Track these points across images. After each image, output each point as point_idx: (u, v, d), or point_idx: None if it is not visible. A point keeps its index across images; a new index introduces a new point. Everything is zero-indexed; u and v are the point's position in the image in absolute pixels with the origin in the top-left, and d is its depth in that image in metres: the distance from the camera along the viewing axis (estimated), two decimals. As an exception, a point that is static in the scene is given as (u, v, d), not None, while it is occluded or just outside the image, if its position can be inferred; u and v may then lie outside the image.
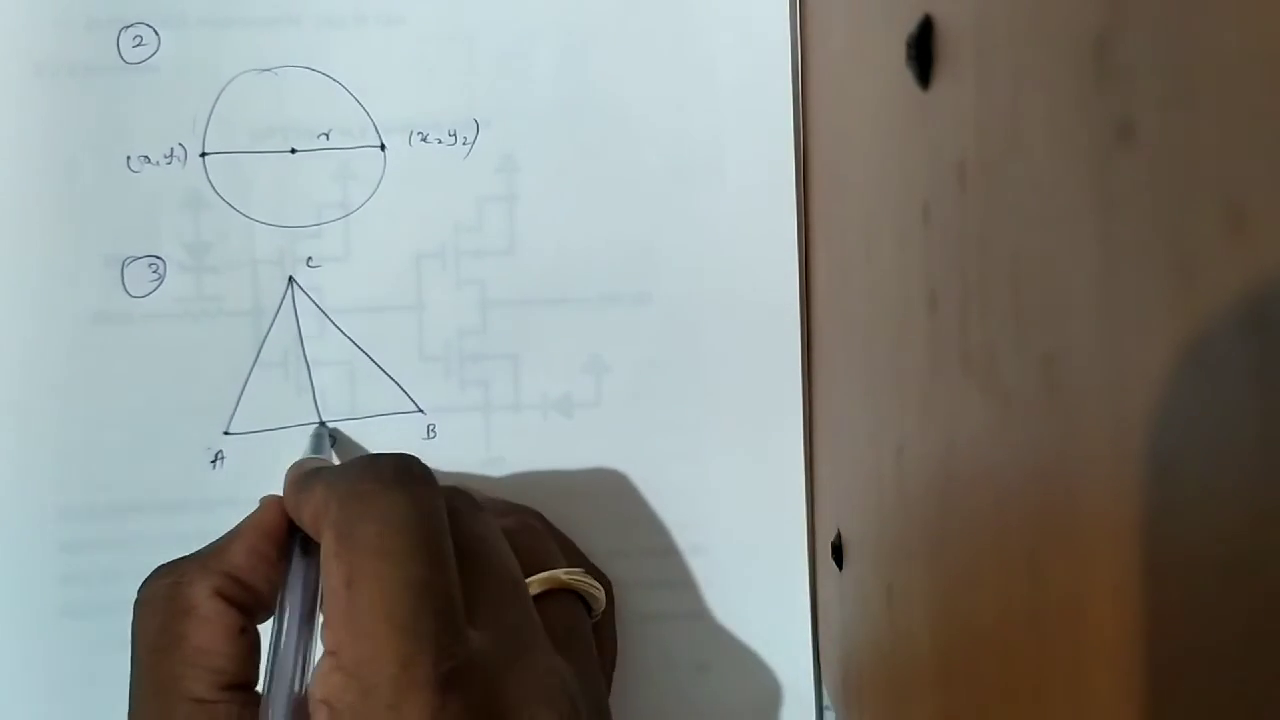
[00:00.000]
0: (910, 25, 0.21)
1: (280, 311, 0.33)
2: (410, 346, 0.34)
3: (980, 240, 0.19)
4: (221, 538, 0.28)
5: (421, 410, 0.34)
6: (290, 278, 0.34)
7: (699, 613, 0.34)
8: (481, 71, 0.34)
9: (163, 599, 0.27)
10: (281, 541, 0.28)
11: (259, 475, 0.33)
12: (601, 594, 0.30)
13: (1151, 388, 0.13)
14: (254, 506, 0.29)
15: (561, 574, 0.29)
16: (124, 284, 0.33)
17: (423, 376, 0.34)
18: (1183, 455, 0.13)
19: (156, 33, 0.33)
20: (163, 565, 0.28)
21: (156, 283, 0.33)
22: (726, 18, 0.34)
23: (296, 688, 0.26)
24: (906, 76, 0.22)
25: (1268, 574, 0.11)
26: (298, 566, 0.27)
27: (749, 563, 0.34)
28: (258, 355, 0.33)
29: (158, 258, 0.33)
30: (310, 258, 0.34)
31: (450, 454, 0.34)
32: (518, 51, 0.34)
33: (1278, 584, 0.11)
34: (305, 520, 0.27)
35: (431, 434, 0.34)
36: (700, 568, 0.34)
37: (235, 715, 0.26)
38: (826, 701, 0.34)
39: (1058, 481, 0.16)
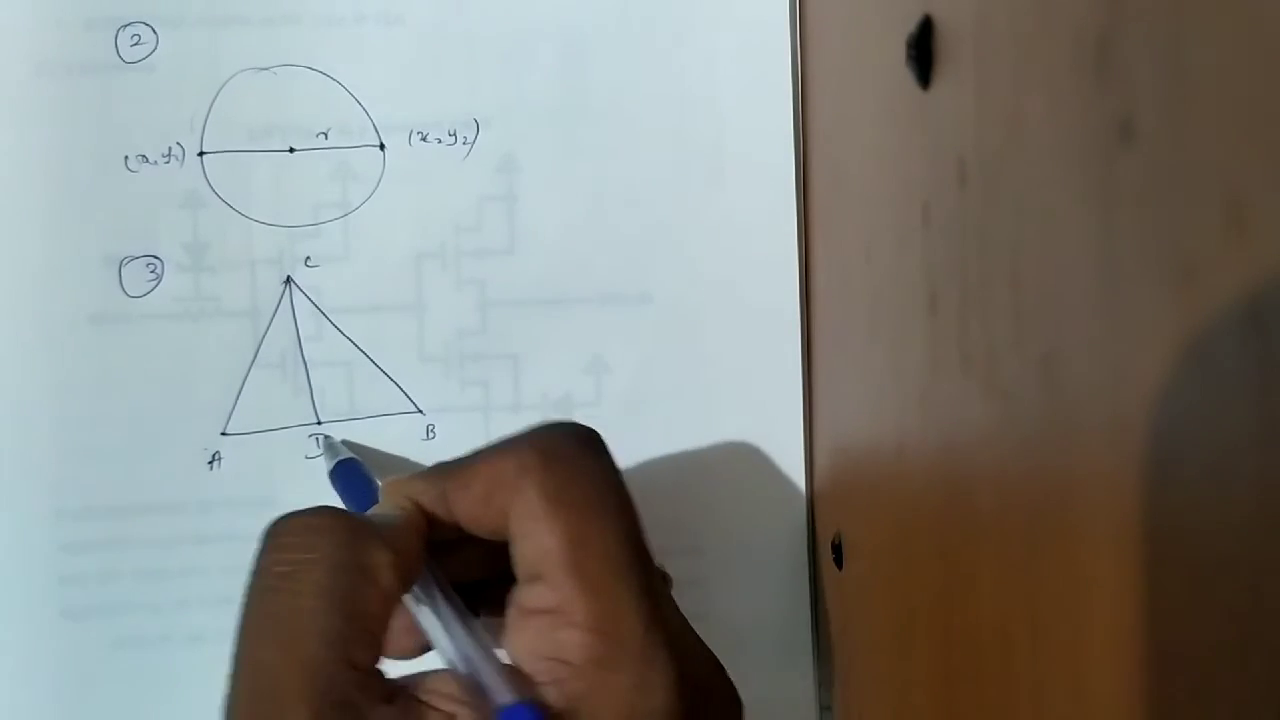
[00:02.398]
0: (910, 25, 0.21)
1: (278, 311, 0.33)
2: (410, 347, 0.34)
3: (980, 240, 0.19)
4: (377, 516, 0.27)
5: (421, 411, 0.34)
6: (288, 277, 0.33)
7: (699, 613, 0.34)
8: (481, 71, 0.34)
9: (341, 550, 0.24)
10: (425, 534, 0.27)
11: (256, 476, 0.33)
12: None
13: (1151, 388, 0.13)
14: (252, 507, 0.28)
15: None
16: (122, 284, 0.33)
17: (422, 377, 0.34)
18: (1182, 454, 0.13)
19: (155, 32, 0.33)
20: (324, 511, 0.26)
21: (154, 282, 0.33)
22: (726, 18, 0.34)
23: (483, 656, 0.25)
24: (906, 76, 0.22)
25: (1267, 573, 0.11)
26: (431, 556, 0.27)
27: (749, 563, 0.34)
28: (256, 355, 0.33)
29: (156, 257, 0.33)
30: (309, 257, 0.34)
31: (450, 455, 0.33)
32: (518, 51, 0.34)
33: (1277, 583, 0.11)
34: (467, 504, 0.26)
35: (431, 434, 0.34)
36: (700, 568, 0.34)
37: (381, 692, 0.24)
38: (826, 701, 0.34)
39: (1057, 481, 0.16)
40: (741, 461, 0.34)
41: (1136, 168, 0.13)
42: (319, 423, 0.34)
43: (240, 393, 0.33)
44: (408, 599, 0.26)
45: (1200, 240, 0.12)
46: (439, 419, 0.34)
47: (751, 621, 0.34)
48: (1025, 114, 0.17)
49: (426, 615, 0.26)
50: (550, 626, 0.24)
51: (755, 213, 0.34)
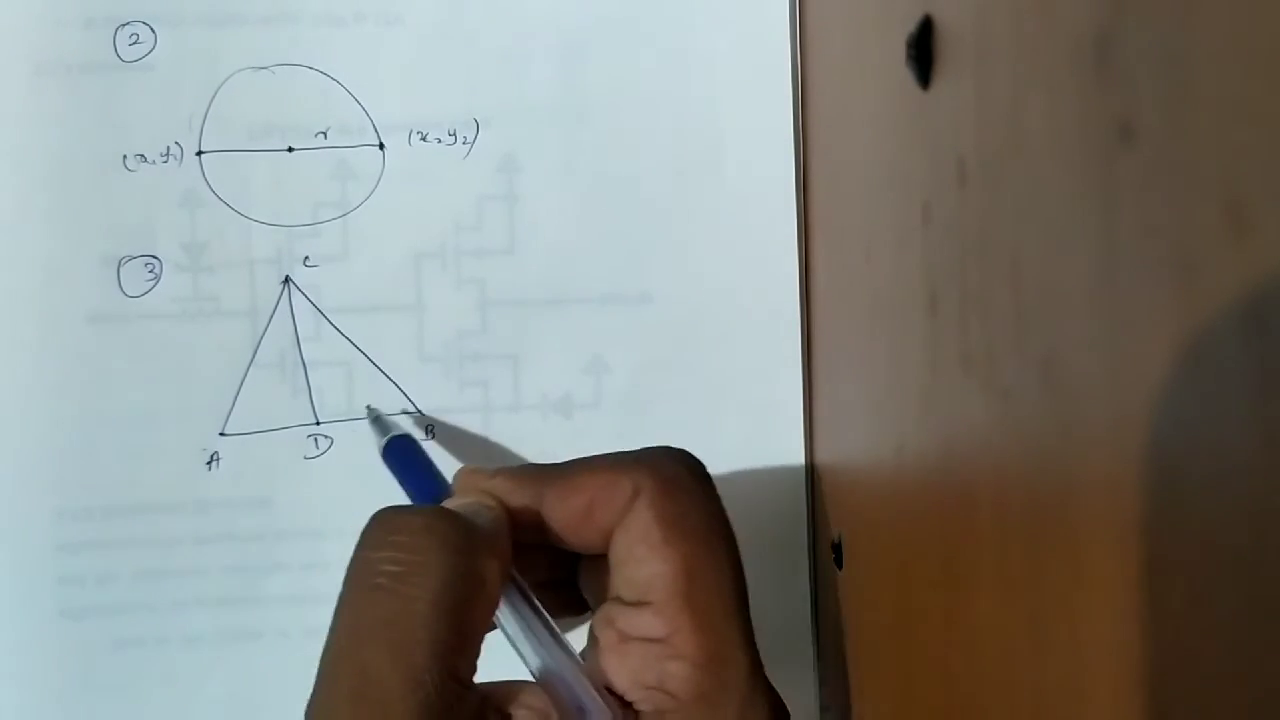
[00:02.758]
0: (910, 25, 0.21)
1: (277, 311, 0.33)
2: (409, 347, 0.34)
3: (980, 240, 0.19)
4: (468, 508, 0.26)
5: (420, 411, 0.34)
6: (287, 277, 0.33)
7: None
8: (481, 71, 0.34)
9: (459, 556, 0.24)
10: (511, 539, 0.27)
11: (255, 476, 0.33)
12: None
13: (1151, 387, 0.13)
14: (251, 507, 0.28)
15: None
16: (120, 283, 0.33)
17: (422, 377, 0.34)
18: (1182, 455, 0.13)
19: (153, 31, 0.33)
20: (442, 514, 0.24)
21: (153, 282, 0.33)
22: (726, 18, 0.34)
23: (577, 675, 0.25)
24: (906, 76, 0.22)
25: (1267, 573, 0.11)
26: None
27: (749, 563, 0.34)
28: (254, 355, 0.33)
29: (154, 257, 0.33)
30: (308, 257, 0.34)
31: (449, 455, 0.34)
32: (518, 51, 0.34)
33: (1277, 583, 0.11)
34: (565, 514, 0.26)
35: (430, 435, 0.34)
36: (700, 568, 0.34)
37: (475, 706, 0.24)
38: (826, 701, 0.34)
39: (1057, 480, 0.16)
40: (741, 461, 0.34)
41: (1136, 168, 0.13)
42: (318, 423, 0.33)
43: (239, 393, 0.33)
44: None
45: (1200, 240, 0.12)
46: (439, 419, 0.34)
47: (752, 621, 0.34)
48: (1025, 114, 0.17)
49: (512, 624, 0.26)
50: (657, 656, 0.24)
51: (755, 213, 0.34)
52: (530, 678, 0.26)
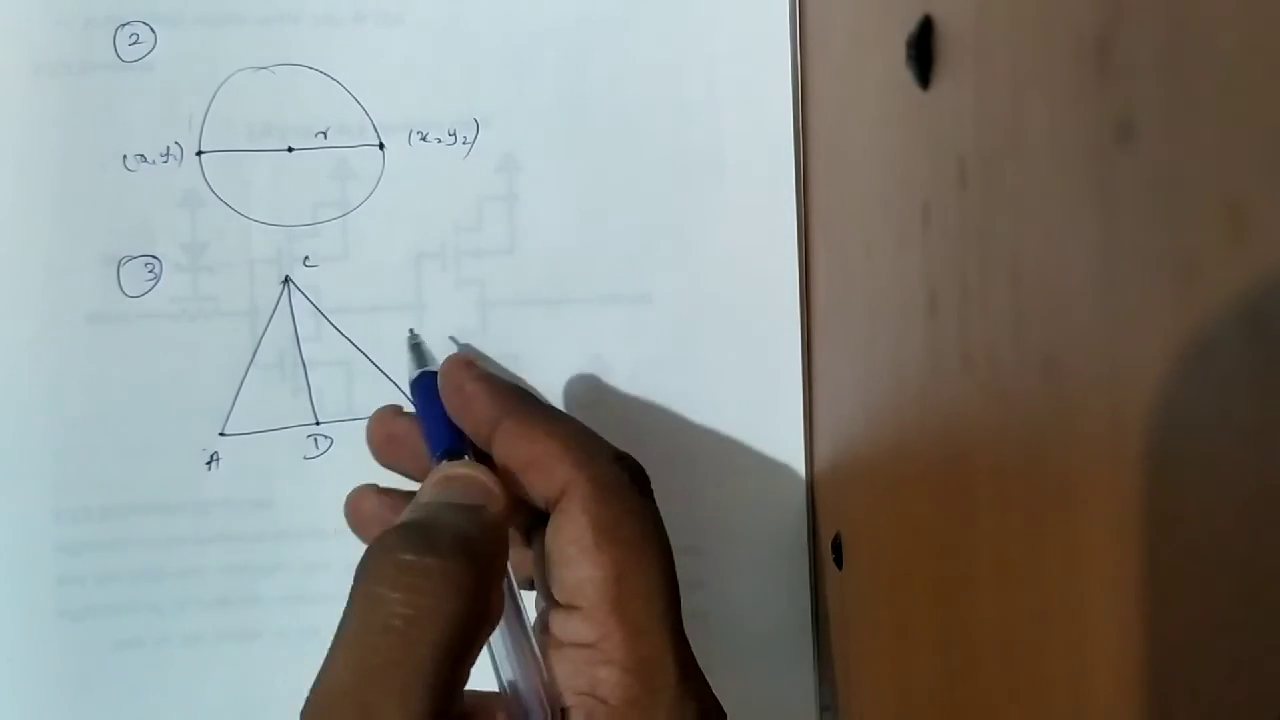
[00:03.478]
0: (910, 25, 0.21)
1: (277, 311, 0.33)
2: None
3: (980, 240, 0.19)
4: (466, 521, 0.25)
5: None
6: (287, 277, 0.33)
7: (699, 613, 0.34)
8: (481, 71, 0.34)
9: (471, 603, 0.23)
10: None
11: (255, 476, 0.33)
12: None
13: (1151, 387, 0.13)
14: (250, 507, 0.28)
15: None
16: (120, 283, 0.33)
17: (422, 376, 0.34)
18: (1182, 454, 0.13)
19: (153, 31, 0.33)
20: (458, 556, 0.24)
21: (152, 282, 0.33)
22: (726, 18, 0.34)
23: (533, 680, 0.25)
24: (906, 76, 0.22)
25: (1266, 570, 0.11)
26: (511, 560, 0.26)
27: (749, 563, 0.34)
28: (254, 355, 0.33)
29: (154, 257, 0.33)
30: (307, 257, 0.33)
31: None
32: (518, 51, 0.34)
33: (1275, 581, 0.11)
34: (507, 454, 0.27)
35: (430, 434, 0.34)
36: (701, 568, 0.34)
37: None
38: (826, 701, 0.34)
39: (1057, 480, 0.16)
40: (741, 461, 0.34)
41: (1136, 168, 0.13)
42: (317, 423, 0.33)
43: (238, 393, 0.33)
44: None
45: (1200, 240, 0.12)
46: (438, 419, 0.34)
47: (751, 621, 0.34)
48: (1025, 114, 0.17)
49: (495, 637, 0.26)
50: (588, 661, 0.25)
51: (755, 213, 0.34)
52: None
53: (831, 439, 0.33)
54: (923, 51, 0.21)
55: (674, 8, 0.34)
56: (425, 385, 0.30)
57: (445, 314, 0.34)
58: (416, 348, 0.32)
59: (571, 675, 0.25)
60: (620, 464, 0.27)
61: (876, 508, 0.27)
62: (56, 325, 0.33)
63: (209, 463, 0.33)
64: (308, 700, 0.23)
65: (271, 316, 0.33)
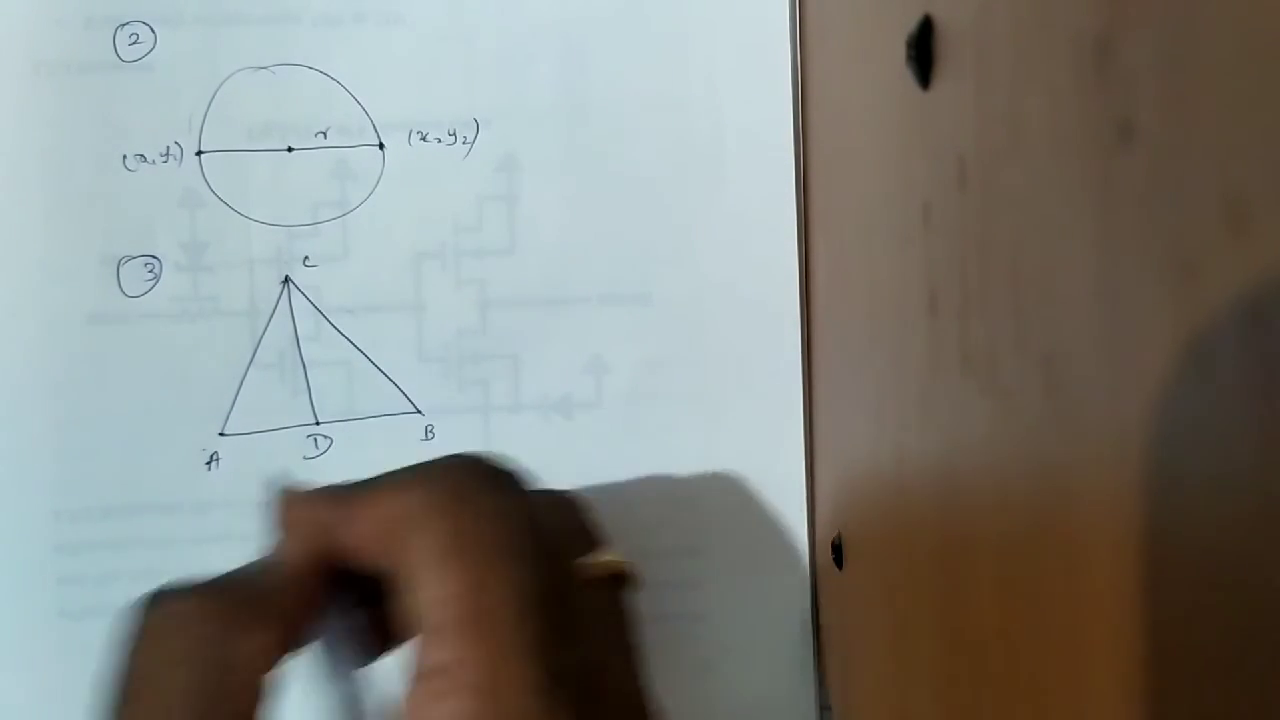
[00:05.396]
0: (910, 25, 0.21)
1: (276, 311, 0.33)
2: (409, 347, 0.34)
3: (980, 240, 0.19)
4: (255, 573, 0.25)
5: (420, 411, 0.34)
6: (287, 277, 0.33)
7: (699, 613, 0.34)
8: (481, 71, 0.34)
9: (203, 644, 0.23)
10: (321, 577, 0.25)
11: (254, 477, 0.33)
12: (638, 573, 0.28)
13: (1151, 388, 0.13)
14: (250, 508, 0.28)
15: (619, 556, 0.27)
16: (119, 283, 0.33)
17: (421, 377, 0.34)
18: (1182, 455, 0.13)
19: (153, 30, 0.33)
20: (196, 589, 0.24)
21: (152, 282, 0.33)
22: (726, 18, 0.34)
23: None
24: (906, 76, 0.22)
25: (1267, 573, 0.11)
26: (338, 602, 0.25)
27: (749, 563, 0.34)
28: (254, 355, 0.33)
29: (153, 257, 0.33)
30: (307, 257, 0.34)
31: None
32: (518, 51, 0.34)
33: (1277, 584, 0.11)
34: (357, 541, 0.24)
35: (430, 435, 0.34)
36: (700, 568, 0.34)
37: None
38: (826, 701, 0.34)
39: (1057, 481, 0.16)
40: (741, 462, 0.34)
41: (1136, 168, 0.13)
42: (317, 423, 0.33)
43: (238, 393, 0.33)
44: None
45: (1200, 240, 0.12)
46: (438, 419, 0.34)
47: (751, 621, 0.34)
48: (1025, 114, 0.17)
49: (320, 676, 0.25)
50: (438, 690, 0.22)
51: (755, 213, 0.34)
52: None
53: (831, 439, 0.33)
54: (923, 51, 0.21)
55: (674, 7, 0.34)
56: None
57: (445, 314, 0.34)
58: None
59: (426, 708, 0.22)
60: (469, 468, 0.24)
61: (876, 508, 0.27)
62: (56, 325, 0.33)
63: (209, 463, 0.33)
64: None
65: (271, 316, 0.33)
